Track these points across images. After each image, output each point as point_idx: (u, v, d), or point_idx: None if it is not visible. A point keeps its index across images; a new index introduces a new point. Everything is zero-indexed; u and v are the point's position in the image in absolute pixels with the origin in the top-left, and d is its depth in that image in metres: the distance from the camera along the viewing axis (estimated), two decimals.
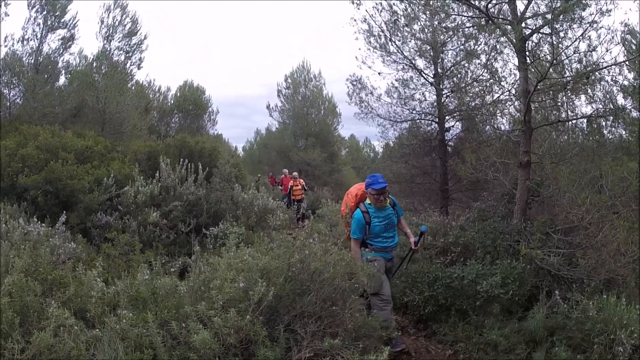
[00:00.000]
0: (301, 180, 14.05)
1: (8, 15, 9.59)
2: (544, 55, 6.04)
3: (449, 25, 7.62)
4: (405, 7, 8.41)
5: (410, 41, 8.88)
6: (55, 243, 4.58)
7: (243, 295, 2.89)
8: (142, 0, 33.75)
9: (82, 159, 7.04)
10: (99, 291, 2.88)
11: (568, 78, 5.78)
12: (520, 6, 5.95)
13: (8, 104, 10.55)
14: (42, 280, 3.29)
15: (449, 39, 8.44)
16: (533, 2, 5.88)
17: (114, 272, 4.41)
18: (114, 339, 2.67)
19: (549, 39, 5.71)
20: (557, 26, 5.41)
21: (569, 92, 6.26)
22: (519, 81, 6.63)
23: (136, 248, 5.22)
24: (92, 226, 6.08)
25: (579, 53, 5.47)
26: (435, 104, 9.17)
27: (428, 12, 8.12)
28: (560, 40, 5.48)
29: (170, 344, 2.73)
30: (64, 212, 5.55)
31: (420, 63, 9.13)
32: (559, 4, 5.32)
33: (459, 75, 8.97)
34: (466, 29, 7.46)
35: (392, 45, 8.94)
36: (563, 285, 4.89)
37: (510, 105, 8.49)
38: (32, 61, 10.78)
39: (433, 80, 9.05)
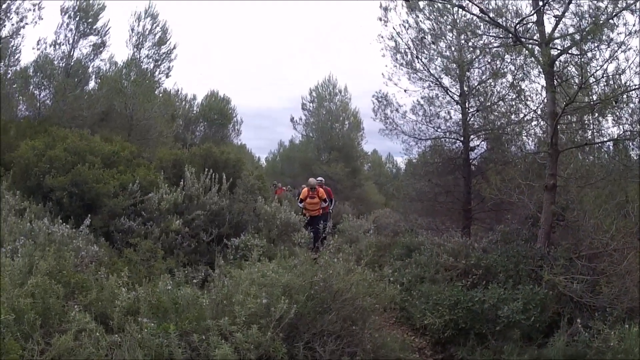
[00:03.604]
0: (321, 190, 9.23)
1: (42, 19, 9.78)
2: (572, 76, 5.95)
3: (476, 44, 7.61)
4: (432, 25, 8.41)
5: (436, 59, 8.85)
6: (78, 245, 4.63)
7: (265, 311, 2.88)
8: (171, 8, 34.61)
9: (109, 164, 7.16)
10: (123, 300, 2.90)
11: (596, 100, 5.66)
12: (548, 26, 5.90)
13: (38, 104, 10.85)
14: (65, 283, 3.32)
15: (476, 58, 8.39)
16: (561, 22, 5.81)
17: (135, 277, 4.45)
18: (133, 346, 2.68)
19: (576, 60, 5.63)
20: (585, 47, 5.33)
21: (595, 113, 6.13)
22: (545, 102, 6.52)
23: (158, 255, 5.28)
24: (115, 230, 6.14)
25: (607, 75, 5.37)
26: (460, 122, 9.07)
27: (455, 31, 8.11)
28: (588, 61, 5.39)
29: (189, 355, 2.73)
30: (89, 214, 5.62)
31: (446, 81, 9.06)
32: (587, 25, 5.26)
33: (484, 94, 8.87)
34: (493, 49, 7.42)
35: (418, 62, 8.91)
36: (585, 313, 4.74)
37: (535, 126, 8.37)
38: (63, 65, 11.10)
39: (459, 98, 8.97)
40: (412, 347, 4.75)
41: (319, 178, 11.14)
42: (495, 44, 6.95)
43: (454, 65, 8.65)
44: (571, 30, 5.82)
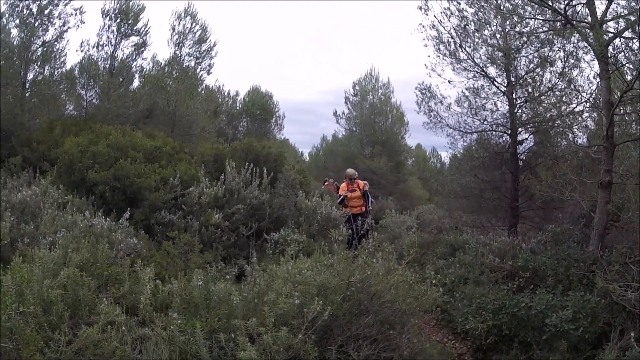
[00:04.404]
0: (361, 183, 8.23)
1: (84, 23, 10.24)
2: (628, 62, 5.44)
3: (523, 30, 7.15)
4: (476, 11, 8.00)
5: (481, 48, 8.40)
6: (117, 238, 4.70)
7: (297, 312, 2.77)
8: (213, 5, 35.26)
9: (151, 159, 7.34)
10: (148, 297, 2.88)
11: None
12: (599, 9, 5.41)
13: (85, 104, 11.33)
14: (98, 276, 3.34)
15: (523, 45, 7.89)
16: (614, 3, 5.32)
17: (172, 270, 4.51)
18: (160, 341, 2.66)
19: (631, 43, 5.13)
20: None
21: None
22: (598, 91, 6.02)
23: (195, 248, 5.33)
24: (156, 223, 6.27)
25: None
26: (507, 114, 8.59)
27: (499, 17, 7.68)
28: None
29: (217, 353, 2.67)
30: (129, 208, 5.73)
31: (492, 71, 8.60)
32: None
33: (533, 84, 8.36)
34: (541, 34, 6.94)
35: (462, 52, 8.49)
36: (638, 325, 4.31)
37: (588, 117, 7.81)
38: (107, 65, 11.46)
39: (505, 89, 8.50)
40: (451, 353, 4.53)
41: (349, 171, 9.26)
42: (543, 29, 6.49)
43: (500, 53, 8.19)
44: (625, 11, 5.32)
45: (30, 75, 9.85)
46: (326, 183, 13.01)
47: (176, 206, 6.62)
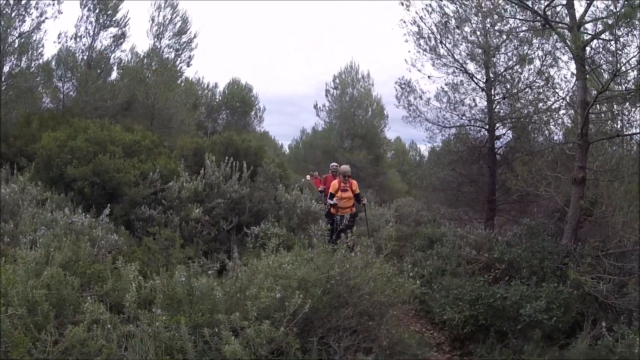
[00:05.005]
0: (354, 183, 7.47)
1: (62, 13, 9.93)
2: (605, 63, 5.62)
3: (503, 29, 7.30)
4: (457, 8, 8.10)
5: (461, 44, 8.52)
6: (98, 234, 4.66)
7: (279, 305, 2.82)
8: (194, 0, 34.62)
9: (130, 153, 7.23)
10: (133, 294, 2.88)
11: (629, 89, 5.34)
12: (579, 10, 5.59)
13: (62, 96, 11.03)
14: (81, 274, 3.33)
15: (502, 43, 8.05)
16: (593, 5, 5.48)
17: (153, 266, 4.49)
18: (146, 337, 2.68)
19: (609, 45, 5.30)
20: (618, 32, 5.00)
21: (627, 103, 5.81)
22: (575, 90, 6.22)
23: (176, 243, 5.31)
24: (136, 219, 6.21)
25: None
26: (485, 110, 8.77)
27: (480, 15, 7.80)
28: (621, 47, 5.07)
29: (201, 347, 2.70)
30: (109, 204, 5.66)
31: (471, 67, 8.73)
32: (620, 8, 4.93)
33: (511, 81, 8.53)
34: (520, 33, 7.10)
35: (442, 47, 8.60)
36: (610, 315, 4.55)
37: (564, 115, 8.03)
38: (85, 57, 11.17)
39: (484, 85, 8.66)
40: (429, 343, 4.66)
41: (334, 164, 9.56)
42: (522, 28, 6.64)
43: (480, 50, 8.34)
44: (603, 14, 5.49)
45: (6, 68, 9.53)
46: (312, 177, 12.85)
47: (156, 201, 6.58)
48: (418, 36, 8.70)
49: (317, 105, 22.83)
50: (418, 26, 8.59)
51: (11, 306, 2.57)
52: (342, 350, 3.00)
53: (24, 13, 9.50)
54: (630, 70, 5.25)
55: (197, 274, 3.59)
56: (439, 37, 8.54)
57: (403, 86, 9.38)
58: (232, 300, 3.10)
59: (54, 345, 2.50)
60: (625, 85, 5.56)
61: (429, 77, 8.85)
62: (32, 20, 9.66)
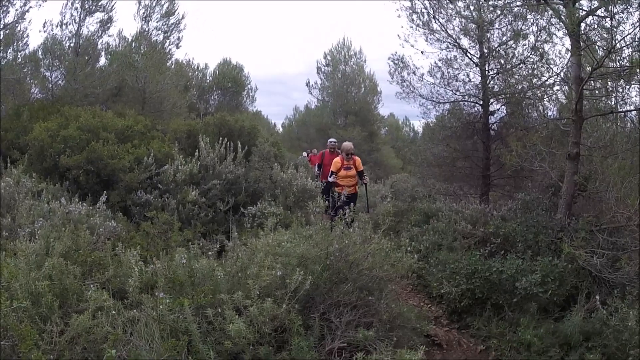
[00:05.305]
0: (358, 159, 7.22)
1: (46, 1, 9.73)
2: (599, 40, 5.60)
3: (497, 4, 7.22)
4: None
5: (454, 19, 8.43)
6: (96, 222, 4.67)
7: (280, 283, 2.87)
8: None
9: (123, 139, 7.19)
10: (136, 280, 2.91)
11: (624, 66, 5.33)
12: None
13: (50, 86, 10.88)
14: (82, 263, 3.35)
15: (496, 18, 7.97)
16: None
17: (153, 250, 4.51)
18: (150, 321, 2.71)
19: (604, 22, 5.27)
20: (614, 9, 4.97)
21: (621, 80, 5.81)
22: (569, 66, 6.20)
23: (174, 227, 5.32)
24: (132, 204, 6.22)
25: (637, 40, 5.02)
26: (479, 85, 8.75)
27: None
28: (616, 24, 5.04)
29: (205, 328, 2.74)
30: (105, 191, 5.67)
31: (465, 42, 8.66)
32: None
33: (505, 56, 8.49)
34: (515, 8, 7.04)
35: (435, 23, 8.53)
36: (604, 289, 4.65)
37: (558, 91, 8.04)
38: (72, 44, 10.99)
39: (478, 60, 8.61)
40: (428, 316, 4.76)
41: (332, 140, 9.14)
42: (517, 3, 6.58)
43: (473, 25, 8.26)
44: None
45: None
46: (310, 155, 12.80)
47: (152, 185, 6.58)
48: (411, 11, 8.63)
49: (309, 82, 22.74)
50: (411, 1, 8.51)
51: (15, 299, 2.58)
52: (343, 325, 3.06)
53: (7, 4, 9.31)
54: (625, 48, 5.24)
55: (197, 255, 3.62)
56: (432, 11, 8.48)
57: (396, 62, 9.31)
58: (233, 280, 3.13)
59: (60, 336, 2.53)
60: (620, 62, 5.55)
61: (422, 52, 8.80)
62: (17, 10, 9.50)
